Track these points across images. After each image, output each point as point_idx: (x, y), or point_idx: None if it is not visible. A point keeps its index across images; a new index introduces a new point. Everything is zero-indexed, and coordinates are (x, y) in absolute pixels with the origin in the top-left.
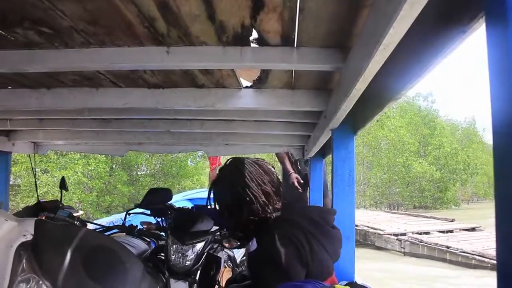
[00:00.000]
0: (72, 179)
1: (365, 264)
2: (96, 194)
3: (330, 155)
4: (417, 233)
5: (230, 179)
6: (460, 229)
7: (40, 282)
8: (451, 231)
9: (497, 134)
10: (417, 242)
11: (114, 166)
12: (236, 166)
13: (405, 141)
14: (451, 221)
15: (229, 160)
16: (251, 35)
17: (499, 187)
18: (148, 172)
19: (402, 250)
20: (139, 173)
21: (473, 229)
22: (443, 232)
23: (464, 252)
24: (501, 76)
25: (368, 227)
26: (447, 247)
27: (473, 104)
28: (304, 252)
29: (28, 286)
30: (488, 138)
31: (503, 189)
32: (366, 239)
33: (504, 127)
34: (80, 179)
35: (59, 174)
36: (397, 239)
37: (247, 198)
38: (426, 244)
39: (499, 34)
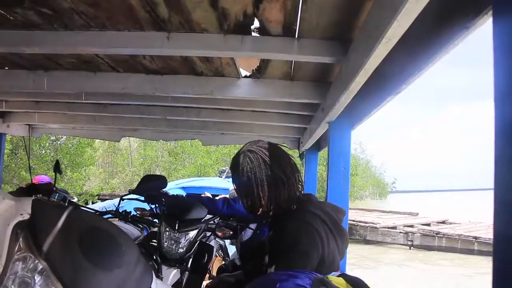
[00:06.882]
0: None
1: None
2: None
3: (326, 148)
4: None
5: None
6: (437, 222)
7: (36, 261)
8: (428, 225)
9: (500, 131)
10: (432, 234)
11: (15, 148)
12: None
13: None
14: (416, 215)
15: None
16: (252, 24)
17: (499, 183)
18: (48, 158)
19: (409, 243)
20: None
21: (443, 222)
22: (427, 225)
23: None
24: (508, 73)
25: (354, 220)
26: (475, 237)
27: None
28: (322, 243)
29: (24, 265)
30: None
31: (503, 184)
32: (353, 234)
33: (510, 123)
34: None
35: None
36: (400, 232)
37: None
38: (445, 236)
39: (508, 29)
